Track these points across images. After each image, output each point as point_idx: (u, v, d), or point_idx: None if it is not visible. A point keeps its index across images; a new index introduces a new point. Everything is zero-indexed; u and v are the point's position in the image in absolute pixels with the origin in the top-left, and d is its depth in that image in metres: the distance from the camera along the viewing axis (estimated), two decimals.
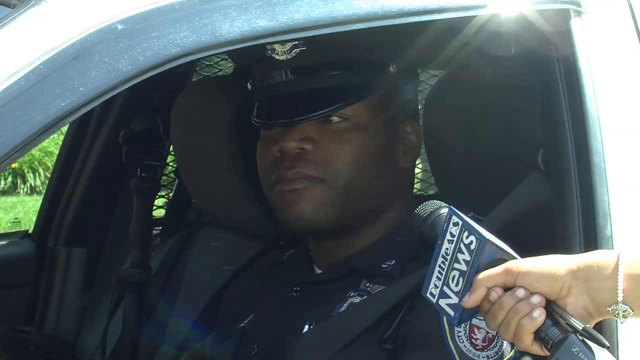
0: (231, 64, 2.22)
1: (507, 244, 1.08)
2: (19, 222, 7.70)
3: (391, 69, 1.43)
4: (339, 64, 1.40)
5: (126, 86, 0.98)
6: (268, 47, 1.38)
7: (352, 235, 1.44)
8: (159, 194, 2.33)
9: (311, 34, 1.08)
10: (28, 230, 2.63)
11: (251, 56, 1.45)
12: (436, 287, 1.11)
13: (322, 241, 1.46)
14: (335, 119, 1.40)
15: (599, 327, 1.15)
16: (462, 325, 1.22)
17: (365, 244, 1.44)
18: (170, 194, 2.60)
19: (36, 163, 9.58)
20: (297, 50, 1.37)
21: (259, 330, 1.50)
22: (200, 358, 1.70)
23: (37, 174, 9.60)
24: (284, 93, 1.42)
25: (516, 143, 1.35)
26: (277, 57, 1.38)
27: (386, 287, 1.35)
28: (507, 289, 1.05)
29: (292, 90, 1.41)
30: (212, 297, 2.01)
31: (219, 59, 2.46)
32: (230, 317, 1.62)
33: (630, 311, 1.00)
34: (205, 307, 2.02)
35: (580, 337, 1.01)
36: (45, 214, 2.57)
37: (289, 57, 1.38)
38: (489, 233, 1.08)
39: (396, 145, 1.44)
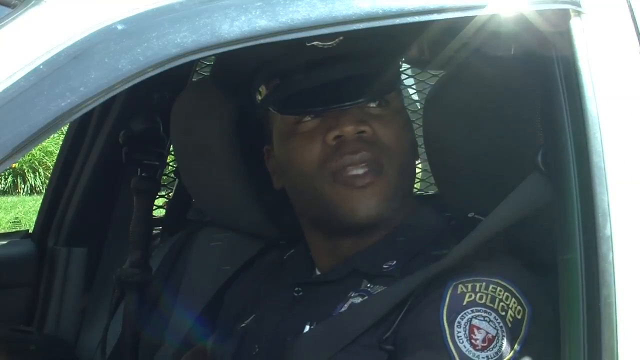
0: None
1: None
2: (19, 221, 7.71)
3: (401, 62, 1.47)
4: (376, 52, 1.41)
5: (126, 86, 0.98)
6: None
7: (373, 229, 1.43)
8: (159, 194, 2.33)
9: (311, 34, 1.08)
10: (28, 230, 2.64)
11: (252, 60, 1.45)
12: None
13: (347, 238, 1.44)
14: (373, 104, 1.41)
15: (598, 326, 1.16)
16: (462, 325, 1.22)
17: (368, 244, 1.44)
18: (170, 194, 2.60)
19: (36, 163, 9.58)
20: (338, 39, 1.37)
21: (260, 331, 1.50)
22: (203, 356, 1.70)
23: (37, 174, 9.61)
24: (321, 82, 1.40)
25: (516, 143, 1.35)
26: (320, 45, 1.37)
27: (387, 288, 1.36)
28: None
29: (333, 77, 1.39)
30: (212, 297, 2.01)
31: None
32: (231, 318, 1.62)
33: None
34: (205, 307, 2.02)
35: None
36: (46, 214, 2.57)
37: (332, 45, 1.37)
38: None
39: (413, 136, 1.49)
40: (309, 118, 1.40)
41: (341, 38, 1.37)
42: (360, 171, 1.37)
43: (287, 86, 1.43)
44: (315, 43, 1.37)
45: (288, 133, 1.43)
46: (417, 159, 1.52)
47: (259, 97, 1.48)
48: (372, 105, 1.40)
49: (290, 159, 1.43)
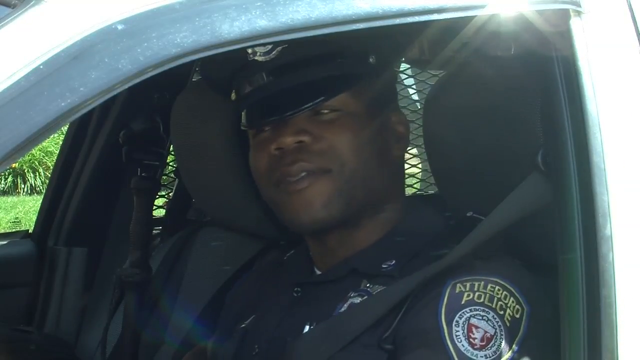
0: None
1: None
2: (19, 221, 7.71)
3: (371, 59, 1.44)
4: (320, 57, 1.40)
5: (126, 86, 0.98)
6: (249, 51, 1.38)
7: (354, 230, 1.44)
8: (159, 194, 2.34)
9: (311, 34, 1.08)
10: (28, 230, 2.64)
11: (228, 68, 1.45)
12: None
13: (325, 239, 1.45)
14: (325, 110, 1.40)
15: (598, 326, 1.16)
16: (461, 324, 1.22)
17: (366, 244, 1.44)
18: (170, 194, 2.60)
19: (36, 163, 9.58)
20: (279, 48, 1.38)
21: (260, 331, 1.50)
22: (203, 357, 1.70)
23: (37, 174, 9.61)
24: (271, 94, 1.41)
25: (516, 143, 1.35)
26: (259, 59, 1.39)
27: (386, 288, 1.36)
28: None
29: (278, 89, 1.40)
30: (212, 298, 2.01)
31: None
32: (232, 318, 1.62)
33: None
34: (205, 307, 2.02)
35: None
36: (46, 214, 2.57)
37: (271, 57, 1.38)
38: None
39: (387, 134, 1.46)
40: (265, 129, 1.43)
41: (280, 48, 1.38)
42: (295, 178, 1.38)
43: (239, 101, 1.46)
44: (256, 58, 1.38)
45: (251, 143, 1.48)
46: (401, 154, 1.51)
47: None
48: (321, 112, 1.40)
49: (251, 167, 1.48)
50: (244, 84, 1.44)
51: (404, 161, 1.56)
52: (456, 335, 1.23)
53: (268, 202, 1.48)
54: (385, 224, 1.45)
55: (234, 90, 1.47)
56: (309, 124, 1.39)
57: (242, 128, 1.49)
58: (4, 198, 9.29)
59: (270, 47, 1.37)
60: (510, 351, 1.22)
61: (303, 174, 1.38)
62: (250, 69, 1.41)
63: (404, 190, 1.56)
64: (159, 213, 2.58)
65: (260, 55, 1.38)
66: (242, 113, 1.47)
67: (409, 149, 2.05)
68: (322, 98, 1.39)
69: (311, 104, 1.39)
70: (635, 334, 1.17)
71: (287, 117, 1.39)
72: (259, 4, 1.04)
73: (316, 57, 1.40)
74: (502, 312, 1.25)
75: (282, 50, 1.38)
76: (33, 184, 9.58)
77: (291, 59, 1.39)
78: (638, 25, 1.26)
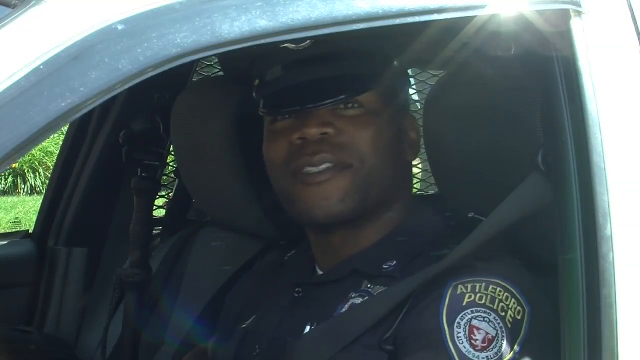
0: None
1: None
2: (19, 221, 7.71)
3: (395, 63, 1.46)
4: (351, 53, 1.41)
5: (126, 86, 0.98)
6: None
7: (359, 229, 1.44)
8: (159, 194, 2.34)
9: (311, 34, 1.08)
10: (28, 230, 2.64)
11: (252, 55, 1.45)
12: None
13: (330, 236, 1.45)
14: (350, 105, 1.41)
15: (598, 326, 1.16)
16: (462, 326, 1.22)
17: (367, 243, 1.44)
18: (170, 194, 2.60)
19: (36, 163, 9.59)
20: (311, 40, 1.38)
21: (261, 331, 1.50)
22: (203, 357, 1.70)
23: (37, 174, 9.61)
24: (295, 83, 1.41)
25: (516, 143, 1.35)
26: (291, 46, 1.38)
27: (387, 288, 1.36)
28: None
29: (308, 78, 1.41)
30: (212, 297, 2.01)
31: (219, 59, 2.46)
32: (232, 318, 1.62)
33: None
34: (205, 307, 2.02)
35: None
36: (46, 214, 2.57)
37: (304, 45, 1.38)
38: None
39: (402, 137, 1.47)
40: (284, 117, 1.43)
41: (314, 39, 1.38)
42: (315, 169, 1.38)
43: (263, 87, 1.45)
44: (287, 45, 1.38)
45: (266, 131, 1.47)
46: (412, 158, 1.51)
47: (254, 94, 1.50)
48: (346, 106, 1.40)
49: (265, 156, 1.47)
50: (272, 70, 1.43)
51: (412, 166, 1.57)
52: (457, 337, 1.23)
53: (279, 192, 1.47)
54: (388, 223, 1.45)
55: (258, 75, 1.46)
56: (334, 117, 1.40)
57: (260, 114, 1.47)
58: (4, 198, 9.29)
59: None
60: (512, 352, 1.22)
61: (324, 165, 1.38)
62: (281, 55, 1.40)
63: (410, 193, 1.56)
64: (159, 213, 2.58)
65: (293, 43, 1.38)
66: (262, 99, 1.46)
67: None
68: (352, 93, 1.40)
69: (340, 97, 1.39)
70: (635, 334, 1.17)
71: (313, 108, 1.39)
72: (259, 4, 1.04)
73: (348, 52, 1.41)
74: (503, 314, 1.25)
75: (315, 41, 1.38)
76: (33, 184, 9.59)
77: (324, 51, 1.39)
78: (638, 25, 1.26)
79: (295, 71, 1.41)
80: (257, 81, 1.47)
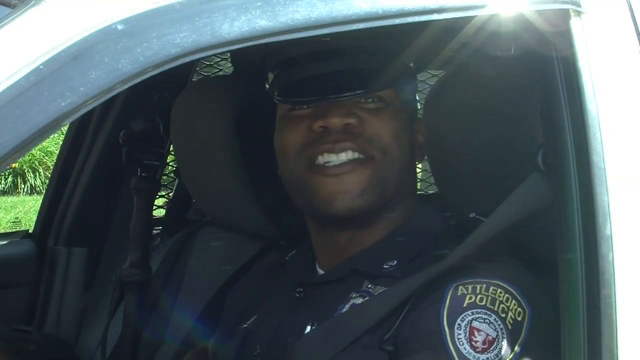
0: (231, 65, 2.23)
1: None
2: (19, 221, 7.71)
3: (411, 65, 1.48)
4: (378, 48, 1.42)
5: (126, 86, 0.98)
6: None
7: (368, 227, 1.44)
8: (159, 194, 2.34)
9: (311, 34, 1.08)
10: (28, 230, 2.64)
11: (268, 46, 1.45)
12: None
13: (341, 233, 1.45)
14: (370, 100, 1.41)
15: (598, 326, 1.16)
16: (463, 327, 1.22)
17: (369, 243, 1.44)
18: (170, 194, 2.60)
19: (36, 163, 9.59)
20: None
21: (262, 331, 1.50)
22: (204, 357, 1.70)
23: (37, 174, 9.62)
24: (317, 74, 1.41)
25: (516, 143, 1.35)
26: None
27: (388, 289, 1.35)
28: None
29: (331, 70, 1.41)
30: (212, 297, 2.01)
31: (219, 59, 2.46)
32: (233, 318, 1.62)
33: None
34: (205, 307, 2.02)
35: None
36: (46, 214, 2.57)
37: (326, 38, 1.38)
38: None
39: (413, 138, 1.48)
40: (304, 106, 1.42)
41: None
42: (334, 158, 1.38)
43: (286, 76, 1.45)
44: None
45: (282, 118, 1.46)
46: (419, 161, 1.52)
47: (267, 85, 1.50)
48: (367, 100, 1.41)
49: (278, 141, 1.46)
50: (293, 60, 1.43)
51: (416, 168, 1.57)
52: (458, 338, 1.23)
53: (291, 182, 1.45)
54: (388, 223, 1.45)
55: (275, 65, 1.46)
56: (357, 108, 1.40)
57: (276, 101, 1.47)
58: (4, 198, 9.30)
59: None
60: (512, 354, 1.22)
61: (345, 156, 1.38)
62: (303, 46, 1.41)
63: (414, 194, 1.56)
64: (159, 213, 2.59)
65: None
66: (277, 88, 1.46)
67: None
68: (375, 87, 1.40)
69: (366, 91, 1.40)
70: (635, 334, 1.17)
71: (336, 99, 1.39)
72: (259, 4, 1.04)
73: (375, 48, 1.41)
74: (504, 315, 1.24)
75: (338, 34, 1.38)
76: (33, 184, 9.59)
77: (351, 44, 1.40)
78: (638, 25, 1.26)
79: (318, 61, 1.41)
80: (275, 71, 1.47)
